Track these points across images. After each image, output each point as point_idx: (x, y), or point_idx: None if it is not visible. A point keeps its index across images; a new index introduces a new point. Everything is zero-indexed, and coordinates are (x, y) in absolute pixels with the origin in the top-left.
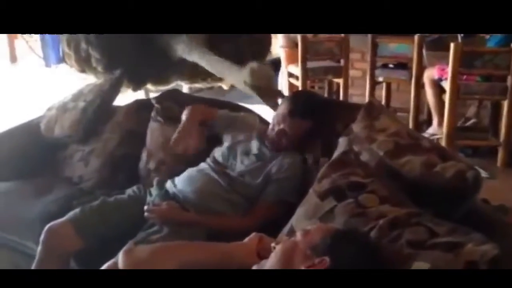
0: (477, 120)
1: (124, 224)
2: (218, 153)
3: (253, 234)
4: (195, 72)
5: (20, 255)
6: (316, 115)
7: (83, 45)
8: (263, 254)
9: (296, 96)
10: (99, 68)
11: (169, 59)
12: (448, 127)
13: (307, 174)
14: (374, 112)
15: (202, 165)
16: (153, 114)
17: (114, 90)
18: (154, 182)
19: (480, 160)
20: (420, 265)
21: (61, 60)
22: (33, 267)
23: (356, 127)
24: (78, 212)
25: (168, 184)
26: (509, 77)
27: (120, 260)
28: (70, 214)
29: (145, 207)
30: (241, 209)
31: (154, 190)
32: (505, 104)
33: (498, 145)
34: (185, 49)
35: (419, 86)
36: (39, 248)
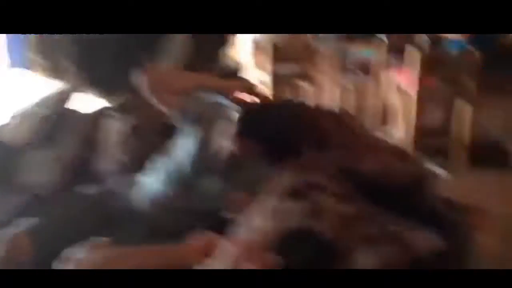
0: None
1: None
2: None
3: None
4: None
5: None
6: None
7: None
8: (210, 252)
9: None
10: (69, 78)
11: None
12: (414, 131)
13: None
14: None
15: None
16: (107, 112)
17: (74, 98)
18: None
19: (443, 160)
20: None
21: (26, 64)
22: None
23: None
24: (35, 224)
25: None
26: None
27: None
28: (28, 224)
29: None
30: None
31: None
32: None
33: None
34: None
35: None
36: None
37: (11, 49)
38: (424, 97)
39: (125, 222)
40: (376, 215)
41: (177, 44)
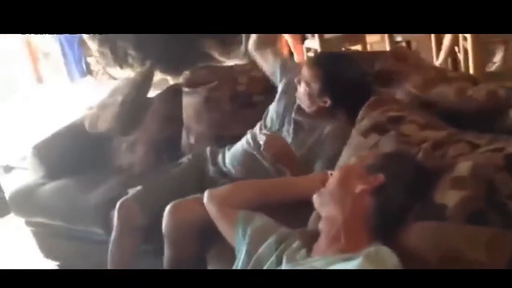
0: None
1: (186, 192)
2: (268, 118)
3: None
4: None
5: (88, 244)
6: (344, 73)
7: (119, 43)
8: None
9: (320, 58)
10: (135, 63)
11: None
12: (477, 72)
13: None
14: (399, 56)
15: (243, 141)
16: (183, 90)
17: (147, 80)
18: (207, 152)
19: None
20: (464, 165)
21: (85, 73)
22: (111, 243)
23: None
24: (140, 190)
25: (219, 159)
26: None
27: (205, 197)
28: (134, 191)
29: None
30: None
31: (210, 163)
32: None
33: None
34: None
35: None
36: (115, 224)
37: (68, 62)
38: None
39: (217, 184)
40: (460, 134)
41: None
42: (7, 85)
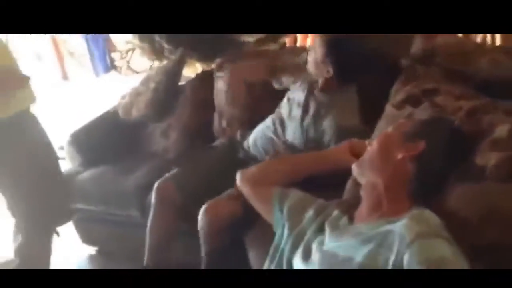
0: None
1: (220, 174)
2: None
3: (345, 141)
4: None
5: (125, 227)
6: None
7: (157, 38)
8: (356, 152)
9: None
10: (170, 55)
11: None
12: None
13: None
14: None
15: (267, 122)
16: (214, 75)
17: (178, 67)
18: (238, 136)
19: None
20: (502, 128)
21: (109, 68)
22: (149, 222)
23: (414, 48)
24: (177, 171)
25: (246, 144)
26: None
27: (238, 177)
28: (171, 172)
29: None
30: None
31: (240, 146)
32: None
33: None
34: None
35: None
36: (153, 203)
37: (93, 58)
38: None
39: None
40: (496, 103)
41: None
42: (34, 83)
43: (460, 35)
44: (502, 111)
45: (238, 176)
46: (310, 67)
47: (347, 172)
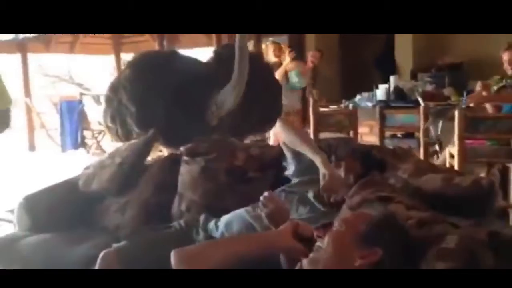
0: None
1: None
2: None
3: (287, 222)
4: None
5: None
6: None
7: (128, 120)
8: (300, 235)
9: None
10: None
11: (207, 123)
12: None
13: None
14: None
15: (242, 210)
16: (182, 158)
17: (147, 147)
18: (201, 219)
19: None
20: (451, 237)
21: (78, 145)
22: None
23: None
24: (125, 245)
25: (211, 226)
26: None
27: (172, 258)
28: (118, 244)
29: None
30: None
31: (200, 228)
32: None
33: (508, 207)
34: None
35: (427, 153)
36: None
37: (64, 132)
38: (468, 157)
39: None
40: (445, 217)
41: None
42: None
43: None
44: (451, 225)
45: (172, 256)
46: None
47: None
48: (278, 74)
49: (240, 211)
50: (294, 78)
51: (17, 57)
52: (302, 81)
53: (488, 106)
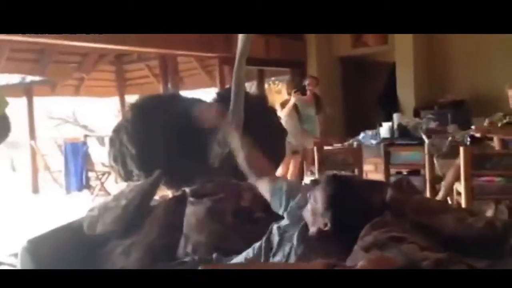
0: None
1: None
2: (274, 236)
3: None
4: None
5: None
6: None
7: (129, 161)
8: None
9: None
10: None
11: (209, 164)
12: None
13: None
14: (403, 187)
15: (245, 254)
16: (187, 199)
17: (153, 188)
18: (214, 257)
19: None
20: None
21: (83, 187)
22: None
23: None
24: None
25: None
26: None
27: None
28: None
29: None
30: None
31: None
32: None
33: None
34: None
35: (434, 190)
36: None
37: (68, 174)
38: (476, 194)
39: None
40: (461, 257)
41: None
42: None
43: None
44: (468, 266)
45: None
46: (307, 215)
47: None
48: (287, 109)
49: (247, 252)
50: (304, 110)
51: (23, 101)
52: (312, 110)
53: (496, 141)
